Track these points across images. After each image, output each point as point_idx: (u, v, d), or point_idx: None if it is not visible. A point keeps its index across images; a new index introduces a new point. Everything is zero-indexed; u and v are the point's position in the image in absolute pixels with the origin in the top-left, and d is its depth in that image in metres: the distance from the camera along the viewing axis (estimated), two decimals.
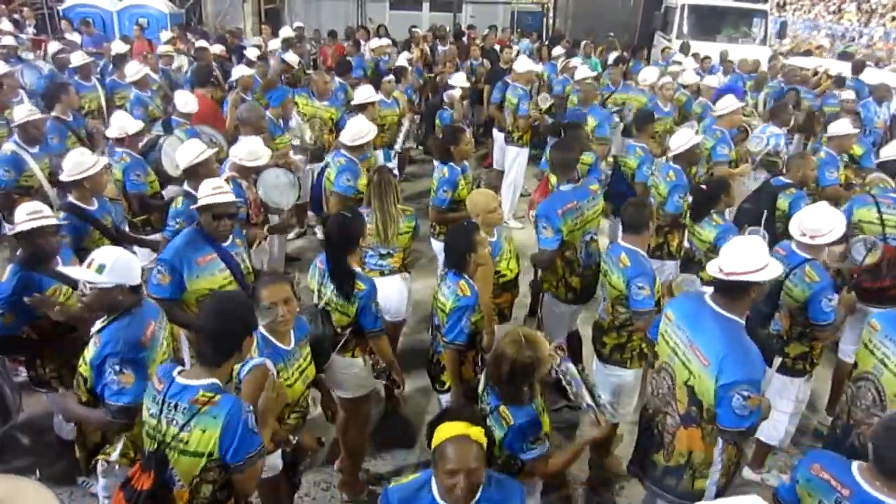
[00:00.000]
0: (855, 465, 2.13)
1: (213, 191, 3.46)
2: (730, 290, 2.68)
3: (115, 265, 2.65)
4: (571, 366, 2.95)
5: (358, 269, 3.44)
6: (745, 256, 2.62)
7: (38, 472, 3.25)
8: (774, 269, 2.63)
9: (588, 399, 2.85)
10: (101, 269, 2.63)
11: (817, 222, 3.50)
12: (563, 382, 2.92)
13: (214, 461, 2.27)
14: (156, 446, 2.31)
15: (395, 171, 4.49)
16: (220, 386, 2.30)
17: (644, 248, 3.59)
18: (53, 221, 3.35)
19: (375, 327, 3.40)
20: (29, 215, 3.29)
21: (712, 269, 2.71)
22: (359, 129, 4.90)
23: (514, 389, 2.60)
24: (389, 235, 4.06)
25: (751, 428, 2.61)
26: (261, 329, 2.73)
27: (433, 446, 2.08)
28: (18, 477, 2.79)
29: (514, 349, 2.55)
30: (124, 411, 2.63)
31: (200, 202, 3.47)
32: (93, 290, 2.70)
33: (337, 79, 7.87)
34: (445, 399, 3.58)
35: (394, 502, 2.17)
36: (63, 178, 4.01)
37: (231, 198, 3.54)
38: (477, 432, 2.08)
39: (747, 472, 4.10)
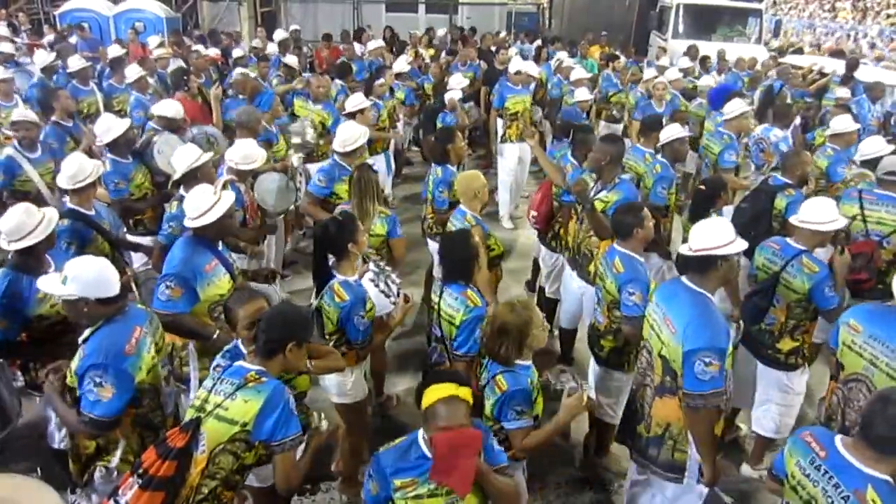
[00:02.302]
0: (839, 436, 2.25)
1: (215, 196, 3.40)
2: (698, 266, 2.93)
3: (76, 277, 2.62)
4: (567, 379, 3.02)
5: (349, 279, 3.38)
6: (711, 233, 2.90)
7: (38, 471, 3.25)
8: (738, 245, 2.88)
9: (571, 382, 2.96)
10: (64, 280, 2.63)
11: (816, 211, 3.56)
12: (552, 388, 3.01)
13: (246, 433, 2.38)
14: (196, 415, 2.41)
15: (376, 168, 4.49)
16: (269, 374, 2.50)
17: (639, 251, 3.58)
18: (41, 237, 3.22)
19: (359, 340, 3.34)
20: (10, 234, 3.18)
21: (683, 248, 3.00)
22: (350, 135, 4.82)
23: (499, 346, 2.80)
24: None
25: (711, 392, 2.73)
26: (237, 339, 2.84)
27: (423, 407, 2.25)
28: (19, 475, 2.79)
29: (506, 309, 2.84)
30: (95, 423, 2.62)
31: (212, 216, 3.34)
32: (62, 300, 2.72)
33: (338, 81, 7.90)
34: None
35: (386, 465, 2.29)
36: (67, 185, 3.95)
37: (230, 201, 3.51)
38: (465, 392, 2.26)
39: (746, 469, 4.11)
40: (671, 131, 5.12)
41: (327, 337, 3.38)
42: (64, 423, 2.82)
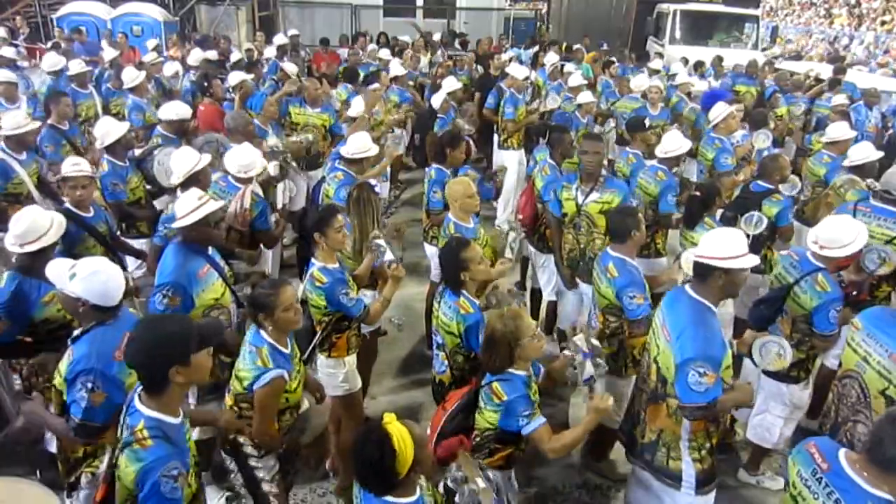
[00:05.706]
0: (843, 450, 2.20)
1: (200, 201, 3.38)
2: (699, 274, 2.89)
3: (83, 277, 2.60)
4: (580, 340, 3.01)
5: (327, 265, 3.46)
6: (716, 244, 2.83)
7: (38, 473, 3.25)
8: (744, 262, 2.79)
9: (589, 371, 2.93)
10: (72, 276, 2.62)
11: (836, 234, 3.46)
12: (568, 363, 3.03)
13: (134, 498, 2.09)
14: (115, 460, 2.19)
15: (378, 189, 4.47)
16: (160, 424, 2.13)
17: (632, 255, 3.62)
18: (53, 240, 3.27)
19: (357, 314, 3.46)
20: (22, 237, 3.20)
21: (690, 252, 2.97)
22: (361, 145, 4.86)
23: (489, 356, 2.82)
24: (364, 252, 3.99)
25: (708, 404, 2.70)
26: (266, 338, 2.78)
27: None
28: (20, 479, 2.78)
29: (495, 319, 2.84)
30: (88, 430, 2.59)
31: (191, 218, 3.31)
32: (60, 292, 2.73)
33: (349, 86, 7.92)
34: None
35: None
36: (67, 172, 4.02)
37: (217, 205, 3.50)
38: None
39: (743, 475, 4.11)
40: (678, 143, 5.08)
41: (318, 327, 3.44)
42: (53, 432, 2.80)
